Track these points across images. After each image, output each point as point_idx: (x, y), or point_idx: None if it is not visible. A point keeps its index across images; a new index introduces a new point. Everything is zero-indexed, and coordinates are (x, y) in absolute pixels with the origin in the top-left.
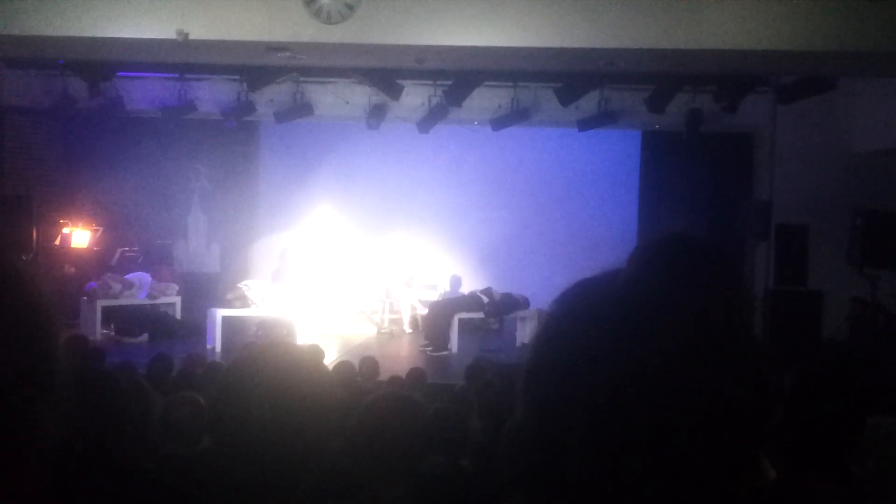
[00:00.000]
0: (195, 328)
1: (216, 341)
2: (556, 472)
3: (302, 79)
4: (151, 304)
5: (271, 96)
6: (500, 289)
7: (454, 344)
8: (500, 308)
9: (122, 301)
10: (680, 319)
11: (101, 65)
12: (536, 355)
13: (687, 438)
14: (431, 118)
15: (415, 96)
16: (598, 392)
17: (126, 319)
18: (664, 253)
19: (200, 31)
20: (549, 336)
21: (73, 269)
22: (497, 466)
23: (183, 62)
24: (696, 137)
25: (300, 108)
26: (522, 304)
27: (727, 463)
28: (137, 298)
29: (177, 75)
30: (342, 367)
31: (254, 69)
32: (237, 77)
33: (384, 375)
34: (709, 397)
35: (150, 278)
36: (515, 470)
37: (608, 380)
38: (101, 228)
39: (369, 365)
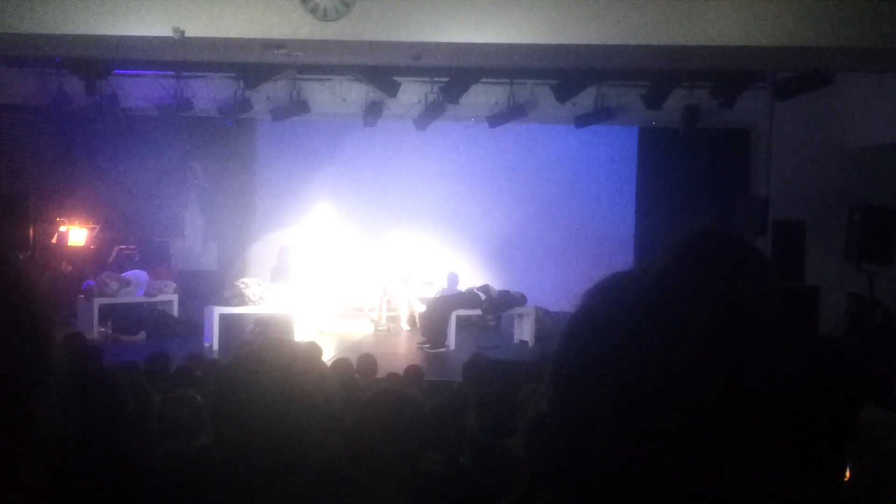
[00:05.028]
0: (193, 326)
1: (214, 339)
2: (582, 463)
3: (298, 76)
4: (149, 302)
5: (268, 94)
6: (497, 286)
7: (452, 341)
8: (498, 305)
9: (120, 299)
10: (711, 315)
11: (97, 63)
12: (566, 347)
13: (714, 433)
14: (428, 115)
15: (411, 93)
16: (627, 386)
17: (123, 317)
18: (698, 249)
19: (197, 28)
20: (579, 329)
21: (70, 267)
22: (497, 462)
23: (179, 60)
24: (693, 133)
25: (297, 106)
26: (520, 300)
27: (755, 457)
28: (135, 296)
29: (173, 73)
30: (340, 364)
31: (250, 67)
32: (234, 75)
33: (382, 373)
34: (737, 393)
35: (147, 276)
36: (538, 462)
37: (637, 374)
38: (97, 226)
39: (367, 362)
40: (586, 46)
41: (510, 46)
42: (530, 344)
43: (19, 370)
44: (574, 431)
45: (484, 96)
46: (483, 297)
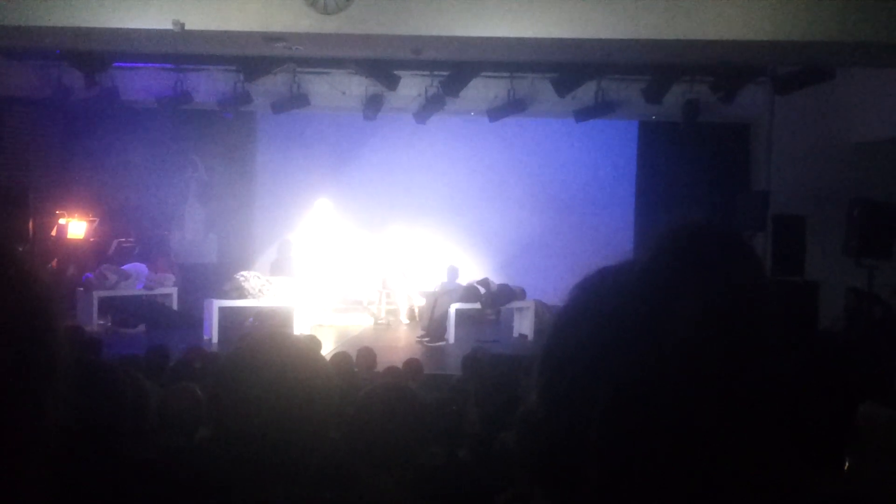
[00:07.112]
0: (192, 319)
1: (213, 332)
2: (571, 460)
3: (298, 69)
4: (148, 295)
5: (268, 87)
6: (496, 279)
7: (451, 335)
8: (497, 299)
9: (119, 292)
10: (700, 309)
11: (97, 55)
12: (554, 342)
13: (711, 431)
14: (428, 109)
15: (411, 87)
16: (616, 381)
17: (123, 310)
18: (685, 241)
19: (197, 21)
20: (567, 323)
21: (70, 264)
22: (496, 456)
23: (179, 52)
24: (694, 128)
25: (296, 99)
26: (519, 294)
27: (753, 455)
28: (134, 289)
29: (173, 66)
30: (339, 357)
31: (250, 59)
32: (234, 67)
33: (381, 366)
34: (728, 388)
35: (146, 269)
36: (527, 457)
37: (626, 369)
38: (97, 219)
39: (366, 356)
40: (586, 40)
41: (510, 40)
42: (530, 338)
43: (25, 364)
44: (565, 428)
45: (484, 90)
46: (482, 290)
